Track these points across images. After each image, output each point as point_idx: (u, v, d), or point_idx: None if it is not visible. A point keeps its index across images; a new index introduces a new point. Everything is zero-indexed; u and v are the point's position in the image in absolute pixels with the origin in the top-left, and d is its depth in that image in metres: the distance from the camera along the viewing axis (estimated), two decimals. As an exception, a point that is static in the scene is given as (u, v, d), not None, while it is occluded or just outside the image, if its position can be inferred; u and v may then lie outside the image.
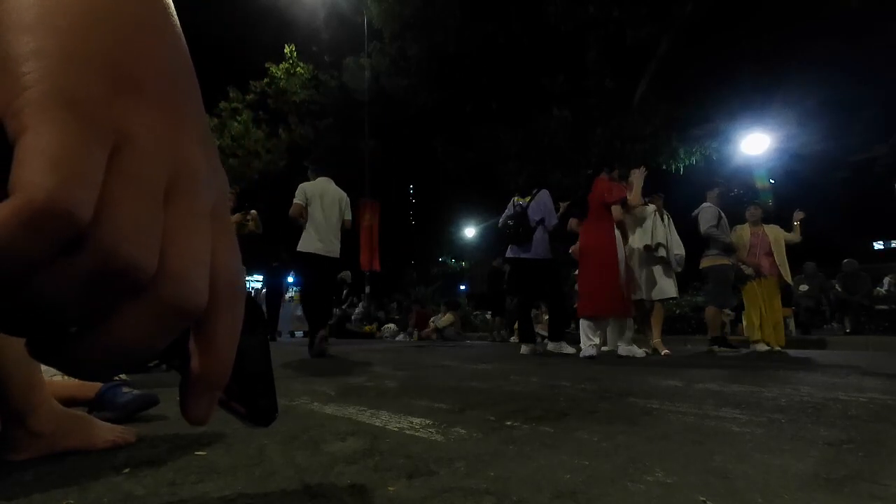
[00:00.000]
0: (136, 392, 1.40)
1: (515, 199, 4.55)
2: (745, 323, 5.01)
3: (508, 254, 4.51)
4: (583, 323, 4.10)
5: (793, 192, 13.39)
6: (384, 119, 13.50)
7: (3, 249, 0.15)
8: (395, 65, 12.27)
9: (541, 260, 4.33)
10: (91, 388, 1.39)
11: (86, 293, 0.17)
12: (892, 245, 25.18)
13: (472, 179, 12.62)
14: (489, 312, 9.68)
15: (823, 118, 11.91)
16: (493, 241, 11.75)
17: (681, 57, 9.73)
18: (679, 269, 4.59)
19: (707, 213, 4.81)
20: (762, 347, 4.61)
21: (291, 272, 8.86)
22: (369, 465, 0.97)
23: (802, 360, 3.73)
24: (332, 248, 4.20)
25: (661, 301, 4.50)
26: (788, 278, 4.94)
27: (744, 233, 4.95)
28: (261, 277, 9.15)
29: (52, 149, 0.16)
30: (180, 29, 0.23)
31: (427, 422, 1.38)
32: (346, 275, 10.91)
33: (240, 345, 0.23)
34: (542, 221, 4.34)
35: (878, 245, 25.50)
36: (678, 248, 4.56)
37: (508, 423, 1.37)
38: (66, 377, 1.48)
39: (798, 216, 5.11)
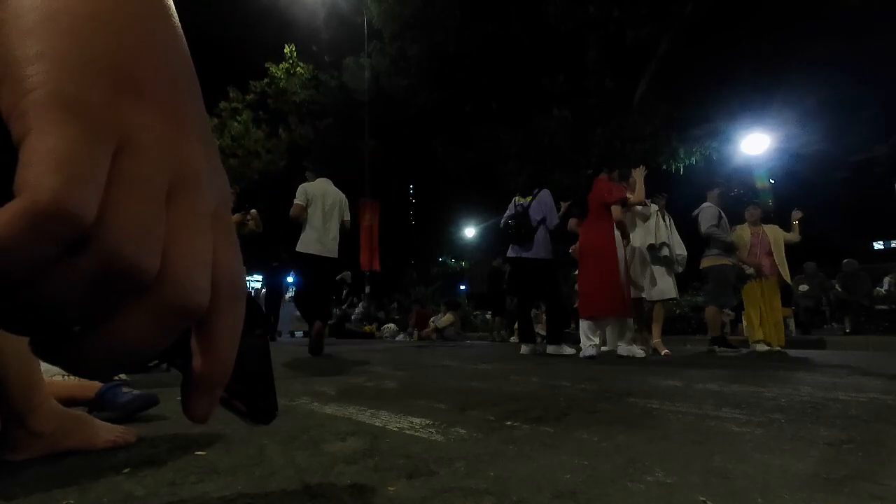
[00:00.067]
0: (136, 392, 1.40)
1: (517, 198, 4.55)
2: (745, 323, 5.02)
3: (510, 253, 4.50)
4: (583, 323, 4.10)
5: (793, 192, 13.40)
6: (384, 119, 13.51)
7: (8, 249, 0.15)
8: (395, 65, 12.27)
9: (542, 260, 4.32)
10: (91, 388, 1.39)
11: (89, 293, 0.17)
12: (892, 245, 25.20)
13: (472, 179, 12.62)
14: (489, 312, 9.68)
15: (823, 118, 11.92)
16: (493, 241, 11.76)
17: (681, 57, 9.73)
18: (680, 270, 4.59)
19: (707, 213, 4.82)
20: (762, 347, 4.61)
21: (291, 272, 8.88)
22: (369, 465, 0.97)
23: (802, 360, 3.73)
24: (332, 248, 4.22)
25: (662, 301, 4.50)
26: (788, 278, 4.94)
27: (744, 233, 4.95)
28: (260, 277, 9.16)
29: (56, 150, 0.16)
30: (181, 29, 0.23)
31: (427, 422, 1.38)
32: (347, 275, 10.92)
33: (240, 345, 0.23)
34: (543, 221, 4.35)
35: (878, 245, 25.52)
36: (680, 249, 4.56)
37: (508, 423, 1.37)
38: (66, 377, 1.48)
39: (796, 216, 5.11)
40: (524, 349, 4.36)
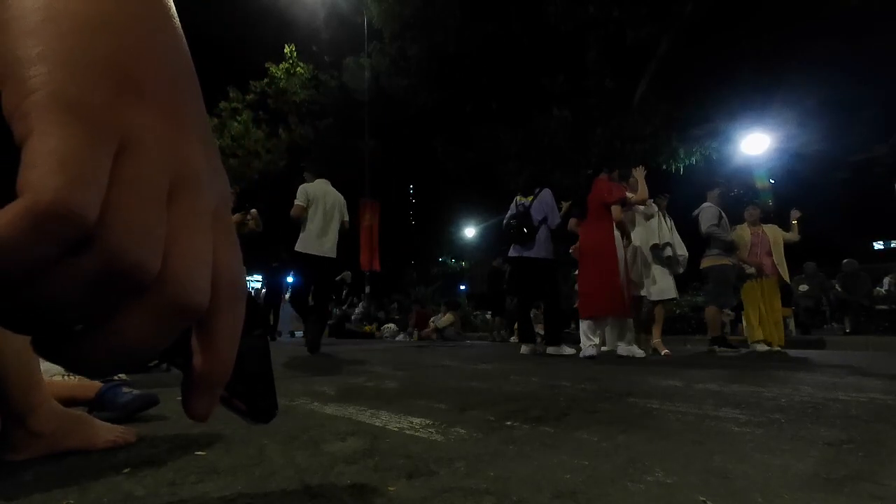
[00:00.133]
0: (136, 392, 1.40)
1: (518, 198, 4.55)
2: (744, 323, 5.02)
3: (511, 253, 4.50)
4: (583, 323, 4.10)
5: (793, 192, 13.41)
6: (384, 119, 13.51)
7: (10, 249, 0.15)
8: (395, 65, 12.26)
9: (542, 259, 4.32)
10: (91, 388, 1.39)
11: (90, 293, 0.17)
12: (892, 245, 25.21)
13: (472, 179, 12.62)
14: (489, 312, 9.68)
15: (823, 118, 11.92)
16: (493, 241, 11.75)
17: (681, 57, 9.72)
18: (681, 270, 4.59)
19: (708, 213, 4.82)
20: (762, 347, 4.61)
21: (291, 272, 8.88)
22: (369, 465, 0.97)
23: (802, 360, 3.73)
24: (331, 249, 4.25)
25: (662, 301, 4.50)
26: (787, 278, 4.95)
27: (744, 232, 4.96)
28: (260, 277, 9.16)
29: (58, 151, 0.16)
30: (181, 29, 0.23)
31: (427, 422, 1.38)
32: (347, 275, 10.92)
33: (240, 344, 0.23)
34: (544, 220, 4.35)
35: (878, 245, 25.53)
36: (681, 249, 4.57)
37: (508, 423, 1.37)
38: (66, 377, 1.48)
39: (795, 215, 5.12)
40: (524, 349, 4.36)
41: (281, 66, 13.79)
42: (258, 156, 13.46)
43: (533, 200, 4.42)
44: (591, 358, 3.84)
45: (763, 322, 4.71)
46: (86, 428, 1.07)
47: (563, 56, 10.30)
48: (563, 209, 4.67)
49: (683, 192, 6.27)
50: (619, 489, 0.83)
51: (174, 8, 0.23)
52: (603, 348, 4.32)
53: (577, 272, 5.16)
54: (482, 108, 11.77)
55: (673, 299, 4.71)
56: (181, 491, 0.82)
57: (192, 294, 0.19)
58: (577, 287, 5.01)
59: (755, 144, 10.72)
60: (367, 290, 11.03)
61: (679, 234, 4.63)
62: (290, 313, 10.62)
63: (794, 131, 10.95)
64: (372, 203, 11.23)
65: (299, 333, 10.65)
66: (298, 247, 4.20)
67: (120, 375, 1.73)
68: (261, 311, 6.85)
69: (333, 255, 4.27)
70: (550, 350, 4.25)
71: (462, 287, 16.94)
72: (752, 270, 4.84)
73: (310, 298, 4.37)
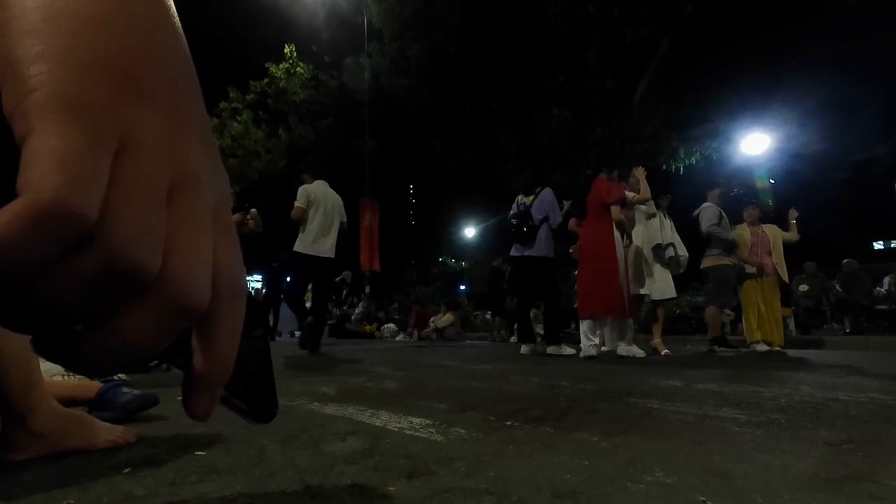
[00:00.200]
0: (136, 392, 1.40)
1: (520, 198, 4.56)
2: (744, 323, 5.02)
3: (512, 252, 4.51)
4: (582, 323, 4.10)
5: (793, 192, 13.42)
6: (384, 119, 13.51)
7: (10, 249, 0.15)
8: (395, 65, 12.26)
9: (543, 258, 4.33)
10: (91, 388, 1.39)
11: (90, 292, 0.17)
12: (892, 245, 25.22)
13: (472, 179, 12.62)
14: (489, 312, 9.68)
15: (823, 118, 11.92)
16: (493, 241, 11.75)
17: (681, 57, 9.72)
18: (682, 271, 4.59)
19: (708, 213, 4.82)
20: (762, 347, 4.61)
21: (289, 272, 8.89)
22: (369, 465, 0.97)
23: (802, 360, 3.73)
24: (330, 249, 4.27)
25: (662, 301, 4.50)
26: (786, 278, 4.95)
27: (744, 232, 4.96)
28: (260, 277, 9.16)
29: (58, 151, 0.16)
30: (181, 29, 0.23)
31: (427, 422, 1.38)
32: (347, 275, 10.92)
33: (241, 344, 0.23)
34: (545, 220, 4.35)
35: (878, 245, 25.54)
36: (681, 249, 4.57)
37: (508, 423, 1.37)
38: (66, 377, 1.48)
39: (793, 215, 5.12)
40: (524, 349, 4.36)
41: (281, 66, 13.79)
42: (258, 156, 13.46)
43: (534, 200, 4.42)
44: (591, 358, 3.84)
45: (763, 322, 4.71)
46: (86, 428, 1.07)
47: (563, 56, 10.30)
48: (565, 208, 4.67)
49: (683, 192, 6.27)
50: (619, 489, 0.83)
51: (174, 8, 0.23)
52: (603, 348, 4.32)
53: (577, 272, 5.16)
54: (482, 108, 11.77)
55: (673, 299, 4.71)
56: (181, 491, 0.82)
57: (192, 294, 0.19)
58: (576, 287, 5.01)
59: (755, 144, 10.72)
60: (367, 290, 11.03)
61: (679, 234, 4.63)
62: (290, 313, 10.64)
63: (794, 131, 10.95)
64: (372, 203, 11.23)
65: (299, 333, 10.66)
66: (298, 247, 4.20)
67: (120, 375, 1.73)
68: (261, 310, 6.85)
69: (332, 255, 4.28)
70: (550, 350, 4.25)
71: (462, 287, 16.96)
72: (752, 270, 4.84)
73: (306, 298, 4.39)
